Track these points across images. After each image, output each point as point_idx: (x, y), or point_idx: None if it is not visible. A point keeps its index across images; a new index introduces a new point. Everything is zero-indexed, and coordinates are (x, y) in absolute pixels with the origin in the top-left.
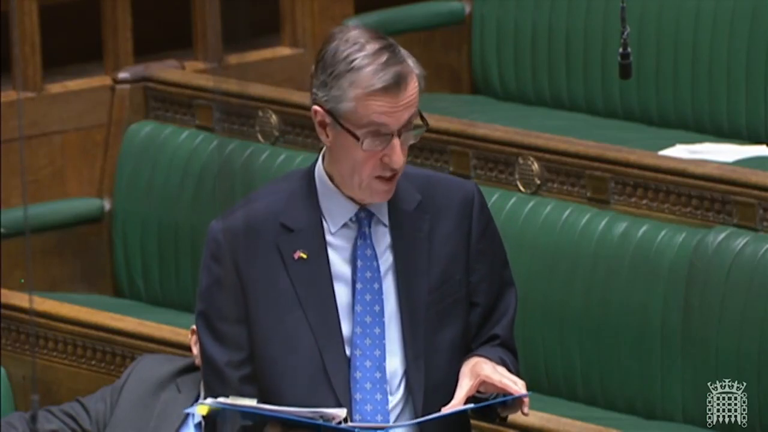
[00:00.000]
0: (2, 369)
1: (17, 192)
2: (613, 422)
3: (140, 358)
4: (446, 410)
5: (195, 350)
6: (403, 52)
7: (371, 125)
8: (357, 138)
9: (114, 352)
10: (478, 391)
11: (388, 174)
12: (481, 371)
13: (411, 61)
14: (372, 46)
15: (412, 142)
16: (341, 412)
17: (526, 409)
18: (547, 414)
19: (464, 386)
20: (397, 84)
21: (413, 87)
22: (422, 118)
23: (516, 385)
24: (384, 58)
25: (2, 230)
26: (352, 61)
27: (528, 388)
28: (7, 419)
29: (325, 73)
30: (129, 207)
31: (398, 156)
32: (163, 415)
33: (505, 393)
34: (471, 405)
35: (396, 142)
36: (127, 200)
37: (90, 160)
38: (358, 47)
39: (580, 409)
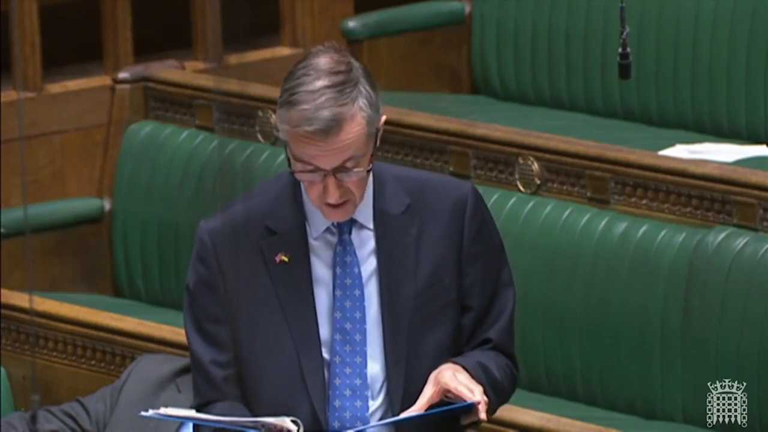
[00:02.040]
0: (2, 369)
1: (17, 192)
2: (613, 422)
3: (140, 358)
4: (403, 416)
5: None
6: (359, 89)
7: (302, 161)
8: (290, 166)
9: (114, 352)
10: (446, 397)
11: (332, 203)
12: (442, 378)
13: (363, 101)
14: (320, 83)
15: (351, 180)
16: (286, 423)
17: (482, 415)
18: (547, 414)
19: (426, 393)
20: (324, 131)
21: (350, 131)
22: (372, 154)
23: (471, 393)
24: (323, 99)
25: (2, 230)
26: (293, 93)
27: (528, 388)
28: (7, 419)
29: (281, 90)
30: (129, 207)
31: (332, 194)
32: None
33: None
34: (414, 414)
35: (330, 181)
36: (127, 200)
37: (90, 160)
38: (310, 78)
39: (580, 409)
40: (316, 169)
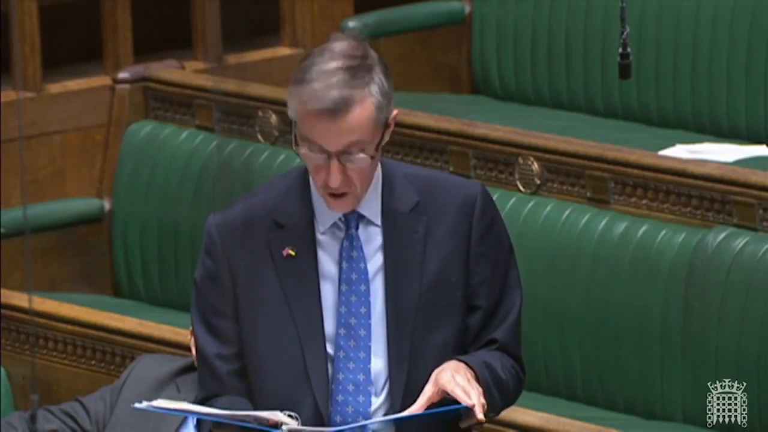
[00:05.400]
0: (2, 369)
1: (17, 192)
2: (612, 422)
3: (139, 358)
4: (400, 414)
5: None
6: (372, 76)
7: (308, 140)
8: (296, 142)
9: (114, 352)
10: (448, 396)
11: (331, 190)
12: (440, 379)
13: (374, 87)
14: (335, 64)
15: (354, 165)
16: (279, 416)
17: (480, 416)
18: (547, 414)
19: (426, 393)
20: (332, 111)
21: (359, 115)
22: (379, 144)
23: (467, 396)
24: (335, 79)
25: (2, 230)
26: (306, 72)
27: (527, 388)
28: (7, 419)
29: (296, 70)
30: (129, 207)
31: (334, 178)
32: (162, 415)
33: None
34: (411, 413)
35: (333, 164)
36: (127, 200)
37: (90, 160)
38: (325, 59)
39: (580, 409)
40: (321, 150)
